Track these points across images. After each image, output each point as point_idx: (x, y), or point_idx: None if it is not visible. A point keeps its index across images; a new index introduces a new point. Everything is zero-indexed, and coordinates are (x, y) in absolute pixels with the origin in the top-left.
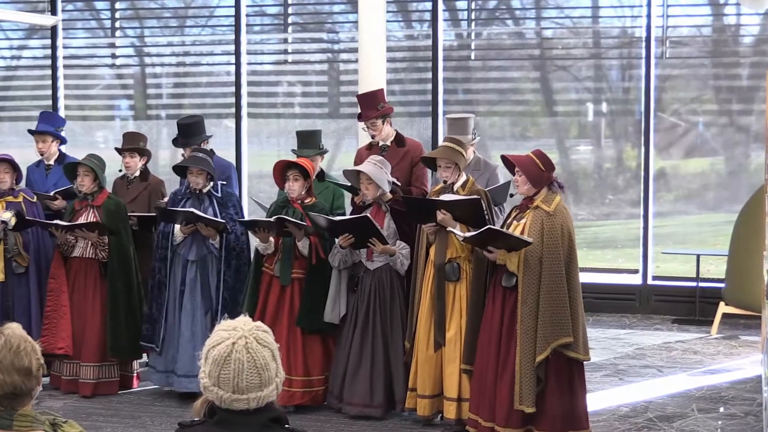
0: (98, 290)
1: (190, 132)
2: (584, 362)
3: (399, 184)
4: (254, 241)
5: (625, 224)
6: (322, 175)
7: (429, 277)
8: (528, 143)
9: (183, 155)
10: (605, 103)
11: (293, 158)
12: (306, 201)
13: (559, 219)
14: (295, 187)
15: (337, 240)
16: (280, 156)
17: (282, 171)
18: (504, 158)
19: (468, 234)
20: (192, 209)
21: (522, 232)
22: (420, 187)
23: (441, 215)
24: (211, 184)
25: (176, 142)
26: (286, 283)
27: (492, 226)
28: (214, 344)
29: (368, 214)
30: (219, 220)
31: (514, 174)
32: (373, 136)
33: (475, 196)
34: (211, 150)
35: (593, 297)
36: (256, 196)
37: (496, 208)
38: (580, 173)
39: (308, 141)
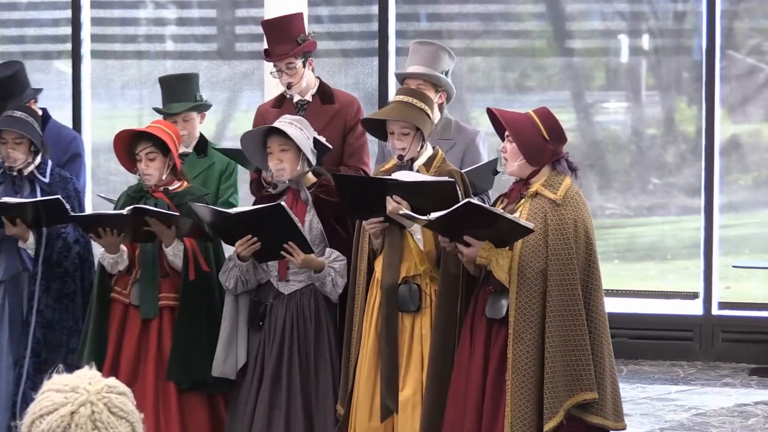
0: None
1: (4, 90)
2: None
3: (330, 146)
4: (98, 251)
5: (677, 223)
6: (204, 145)
7: (373, 306)
8: (528, 97)
9: None
10: (647, 35)
11: (157, 120)
12: (173, 187)
13: (571, 211)
14: (151, 170)
15: (226, 246)
16: (143, 118)
17: (128, 146)
18: (490, 114)
19: (436, 214)
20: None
21: None
22: (357, 167)
23: (392, 204)
24: (38, 161)
25: None
26: (149, 316)
27: (472, 200)
28: (42, 413)
29: (283, 203)
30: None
31: (503, 140)
32: (288, 86)
33: (447, 178)
34: (45, 111)
35: (629, 336)
36: (102, 183)
37: (477, 197)
38: (609, 144)
39: (177, 90)
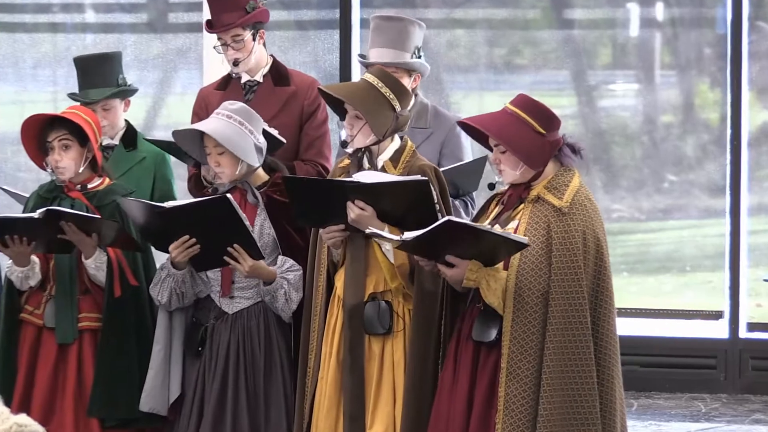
0: None
1: None
2: None
3: (283, 140)
4: (5, 263)
5: (698, 228)
6: (132, 136)
7: (334, 329)
8: (518, 78)
9: None
10: (661, 4)
11: (75, 105)
12: (92, 185)
13: (580, 220)
14: (65, 161)
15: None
16: (58, 102)
17: (39, 135)
18: (465, 127)
19: (410, 234)
20: None
21: None
22: (315, 161)
23: (355, 210)
24: None
25: None
26: (67, 341)
27: (454, 218)
28: None
29: (229, 195)
30: None
31: (488, 149)
32: (234, 62)
33: (419, 177)
34: None
35: (641, 363)
36: (10, 180)
37: (459, 199)
38: (616, 135)
39: (95, 73)
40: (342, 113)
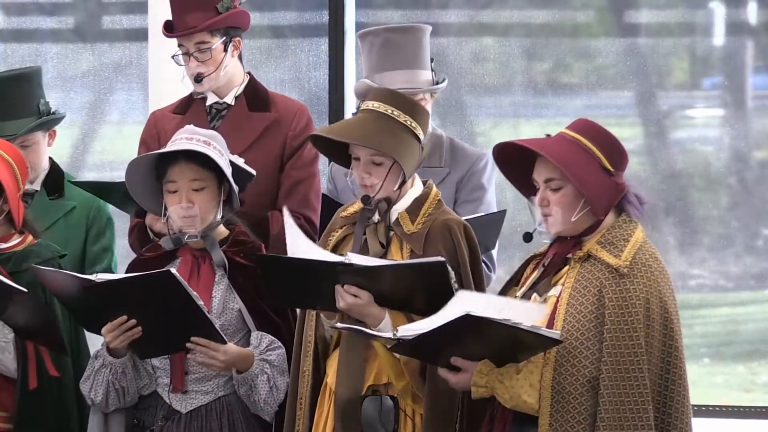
0: None
1: None
2: None
3: (252, 171)
4: None
5: None
6: (58, 180)
7: (323, 430)
8: (565, 102)
9: None
10: (754, 3)
11: None
12: (8, 245)
13: (642, 284)
14: None
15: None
16: None
17: None
18: (501, 152)
19: (408, 331)
20: None
21: (555, 315)
22: (299, 213)
23: (346, 298)
24: None
25: None
26: None
27: (473, 312)
28: None
29: (173, 269)
30: None
31: (528, 191)
32: (197, 77)
33: (434, 259)
34: None
35: None
36: None
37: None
38: (696, 176)
39: (10, 99)
40: (340, 158)
